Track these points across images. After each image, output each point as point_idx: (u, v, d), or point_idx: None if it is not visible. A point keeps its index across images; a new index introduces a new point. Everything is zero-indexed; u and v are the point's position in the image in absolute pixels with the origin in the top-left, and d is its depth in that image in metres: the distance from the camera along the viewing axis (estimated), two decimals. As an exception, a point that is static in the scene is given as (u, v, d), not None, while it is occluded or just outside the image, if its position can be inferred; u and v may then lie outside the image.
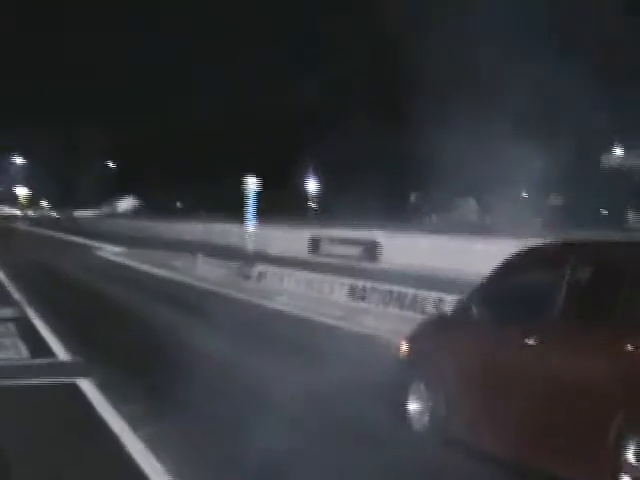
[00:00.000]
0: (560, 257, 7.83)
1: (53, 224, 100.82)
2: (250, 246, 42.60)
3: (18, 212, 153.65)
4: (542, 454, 7.26)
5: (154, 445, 8.34)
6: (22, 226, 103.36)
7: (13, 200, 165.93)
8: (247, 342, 15.60)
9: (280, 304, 22.00)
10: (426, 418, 8.87)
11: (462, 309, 8.80)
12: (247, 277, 28.72)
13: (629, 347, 6.53)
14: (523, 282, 8.38)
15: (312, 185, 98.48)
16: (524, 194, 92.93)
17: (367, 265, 34.96)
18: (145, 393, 10.97)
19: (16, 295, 21.79)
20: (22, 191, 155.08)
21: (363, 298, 20.72)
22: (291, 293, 24.20)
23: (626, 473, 6.35)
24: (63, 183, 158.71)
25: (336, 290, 22.40)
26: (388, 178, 77.15)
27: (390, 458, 8.36)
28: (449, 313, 9.69)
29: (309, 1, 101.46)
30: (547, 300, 7.55)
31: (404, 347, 9.65)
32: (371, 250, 39.01)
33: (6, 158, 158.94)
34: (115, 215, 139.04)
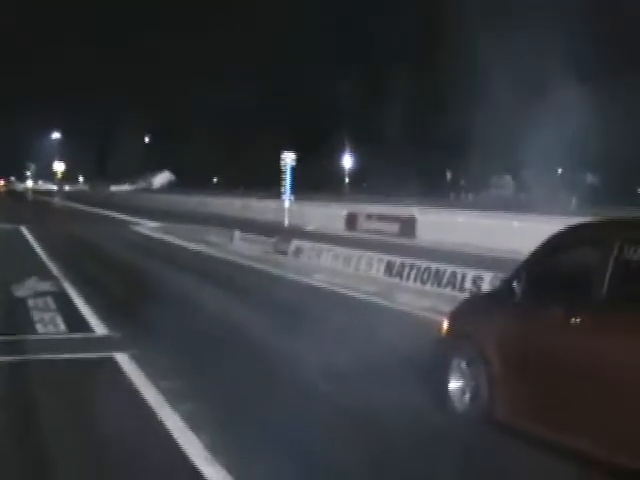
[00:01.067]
0: (607, 235, 7.62)
1: (89, 199, 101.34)
2: (287, 222, 42.60)
3: (54, 187, 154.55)
4: (589, 437, 7.15)
5: (192, 422, 8.31)
6: (59, 201, 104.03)
7: (50, 176, 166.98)
8: (284, 319, 15.54)
9: (317, 280, 21.90)
10: (467, 397, 8.78)
11: (505, 287, 8.67)
12: (284, 253, 28.64)
13: None
14: (568, 261, 8.22)
15: (348, 161, 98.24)
16: (560, 171, 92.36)
17: (404, 241, 34.78)
18: (183, 369, 10.94)
19: (54, 269, 21.87)
20: (59, 166, 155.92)
21: (400, 275, 20.58)
22: (328, 269, 24.11)
23: None
24: (100, 158, 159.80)
25: (373, 266, 22.27)
26: (425, 154, 76.97)
27: (428, 435, 8.38)
28: (492, 291, 9.66)
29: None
30: (593, 280, 7.41)
31: (445, 325, 9.57)
32: (408, 226, 38.82)
33: (44, 134, 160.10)
34: (151, 190, 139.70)
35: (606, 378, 6.98)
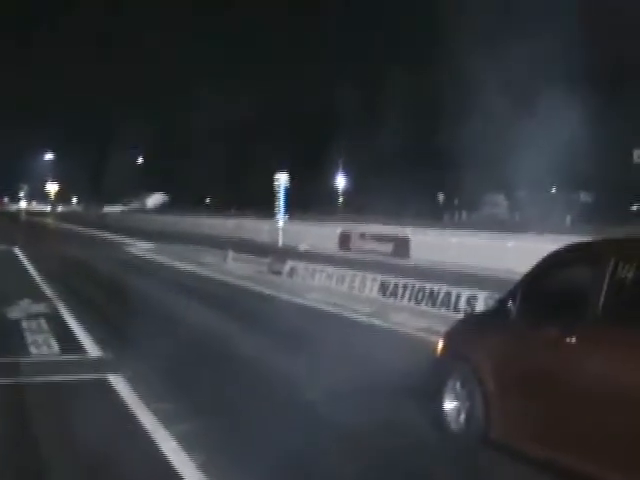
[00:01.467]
0: (602, 255, 7.62)
1: (82, 220, 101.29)
2: (280, 242, 42.59)
3: (47, 208, 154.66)
4: (586, 456, 7.13)
5: (186, 443, 8.29)
6: (52, 222, 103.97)
7: (43, 196, 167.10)
8: (279, 340, 15.54)
9: (311, 300, 21.87)
10: (462, 417, 8.77)
11: (500, 307, 8.68)
12: (278, 273, 28.64)
13: None
14: (564, 280, 8.22)
15: (341, 181, 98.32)
16: (553, 190, 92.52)
17: (398, 261, 34.75)
18: (177, 390, 10.93)
19: (47, 291, 21.82)
20: (53, 187, 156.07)
21: (395, 295, 20.59)
22: (322, 289, 24.10)
23: None
24: (93, 179, 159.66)
25: (367, 286, 22.28)
26: (418, 174, 76.90)
27: (422, 457, 8.42)
28: (487, 311, 9.64)
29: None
30: (588, 298, 7.43)
31: (440, 345, 9.56)
32: (402, 246, 38.80)
33: (37, 155, 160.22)
34: (144, 211, 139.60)
35: (602, 397, 6.99)
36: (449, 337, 9.62)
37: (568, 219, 70.03)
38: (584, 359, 7.28)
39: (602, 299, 7.29)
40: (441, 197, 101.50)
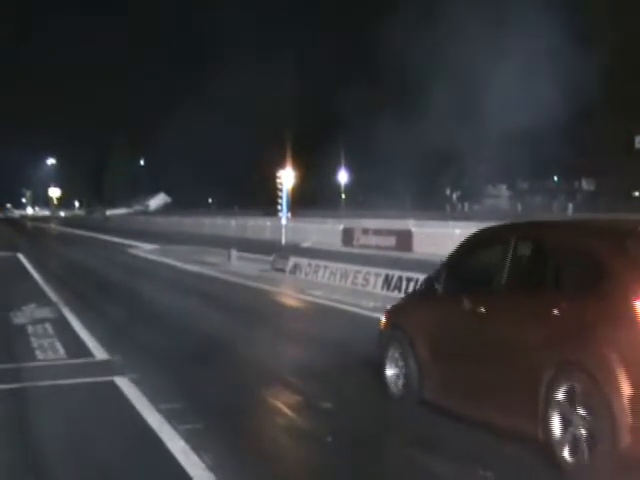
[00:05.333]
0: (506, 237, 8.87)
1: (85, 224, 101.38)
2: (283, 239, 42.61)
3: (48, 213, 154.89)
4: (491, 408, 8.38)
5: (194, 443, 8.31)
6: (55, 226, 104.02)
7: (46, 202, 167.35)
8: (284, 338, 15.66)
9: (315, 297, 21.91)
10: (400, 382, 10.04)
11: (428, 285, 9.93)
12: (281, 270, 28.69)
13: (555, 312, 7.60)
14: (478, 259, 9.52)
15: (344, 176, 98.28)
16: (555, 178, 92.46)
17: (401, 255, 34.79)
18: (183, 391, 10.96)
19: (52, 295, 21.86)
20: (55, 192, 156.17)
21: (399, 288, 20.61)
22: (325, 285, 24.15)
23: (553, 409, 7.49)
24: (95, 182, 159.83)
25: (371, 281, 22.32)
26: (419, 167, 76.87)
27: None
28: (420, 289, 10.97)
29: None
30: (494, 274, 8.66)
31: (383, 320, 10.84)
32: (404, 240, 38.87)
33: (39, 160, 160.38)
34: (147, 212, 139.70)
35: (505, 358, 8.19)
36: (390, 313, 10.91)
37: (570, 207, 70.06)
38: (490, 325, 8.49)
39: (505, 274, 8.51)
40: (448, 191, 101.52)
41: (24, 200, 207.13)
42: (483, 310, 8.58)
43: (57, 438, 8.80)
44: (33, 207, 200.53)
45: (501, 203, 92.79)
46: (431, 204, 78.55)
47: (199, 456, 7.91)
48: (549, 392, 7.51)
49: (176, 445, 8.26)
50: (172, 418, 9.22)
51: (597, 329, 7.22)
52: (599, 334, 7.19)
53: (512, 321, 8.20)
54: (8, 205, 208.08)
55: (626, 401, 6.86)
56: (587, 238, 7.99)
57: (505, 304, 8.43)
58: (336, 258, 28.17)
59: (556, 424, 7.48)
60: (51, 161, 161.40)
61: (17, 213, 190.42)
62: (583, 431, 7.22)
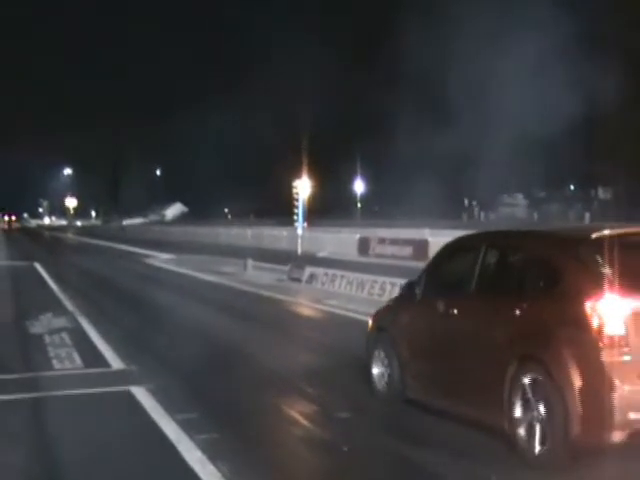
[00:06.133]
0: (475, 245, 9.63)
1: (102, 233, 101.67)
2: (299, 249, 42.61)
3: (65, 222, 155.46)
4: (465, 403, 9.08)
5: (211, 453, 8.30)
6: (72, 236, 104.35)
7: (62, 211, 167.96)
8: (300, 348, 15.68)
9: (331, 307, 21.90)
10: (385, 380, 10.77)
11: (410, 289, 10.58)
12: (298, 280, 28.67)
13: (517, 313, 8.30)
14: (452, 266, 10.26)
15: (360, 186, 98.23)
16: (572, 187, 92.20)
17: (417, 264, 34.66)
18: (199, 400, 10.97)
19: (69, 305, 21.91)
20: (71, 202, 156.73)
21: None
22: (342, 295, 24.13)
23: (516, 401, 8.14)
24: (112, 192, 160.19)
25: (387, 291, 22.27)
26: (436, 176, 76.62)
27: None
28: (403, 294, 11.24)
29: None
30: (466, 279, 9.35)
31: (370, 323, 11.65)
32: (421, 249, 38.73)
33: (56, 170, 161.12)
34: (163, 222, 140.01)
35: (474, 354, 8.86)
36: (376, 316, 11.70)
37: (587, 216, 69.84)
38: (461, 326, 9.20)
39: (475, 278, 9.21)
40: (466, 201, 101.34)
41: (41, 210, 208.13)
42: (455, 312, 9.31)
43: (74, 448, 8.81)
44: (50, 217, 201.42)
45: (518, 212, 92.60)
46: (447, 213, 78.36)
47: (216, 466, 7.90)
48: (512, 386, 8.18)
49: (193, 455, 8.26)
50: (189, 428, 9.22)
51: (553, 328, 7.92)
52: (555, 332, 7.88)
53: (480, 321, 8.93)
54: (25, 215, 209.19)
55: (577, 393, 7.48)
56: (545, 246, 8.78)
57: (474, 306, 9.14)
58: (352, 268, 28.13)
59: (518, 415, 8.14)
60: (67, 171, 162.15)
61: (34, 223, 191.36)
62: (541, 421, 7.88)
